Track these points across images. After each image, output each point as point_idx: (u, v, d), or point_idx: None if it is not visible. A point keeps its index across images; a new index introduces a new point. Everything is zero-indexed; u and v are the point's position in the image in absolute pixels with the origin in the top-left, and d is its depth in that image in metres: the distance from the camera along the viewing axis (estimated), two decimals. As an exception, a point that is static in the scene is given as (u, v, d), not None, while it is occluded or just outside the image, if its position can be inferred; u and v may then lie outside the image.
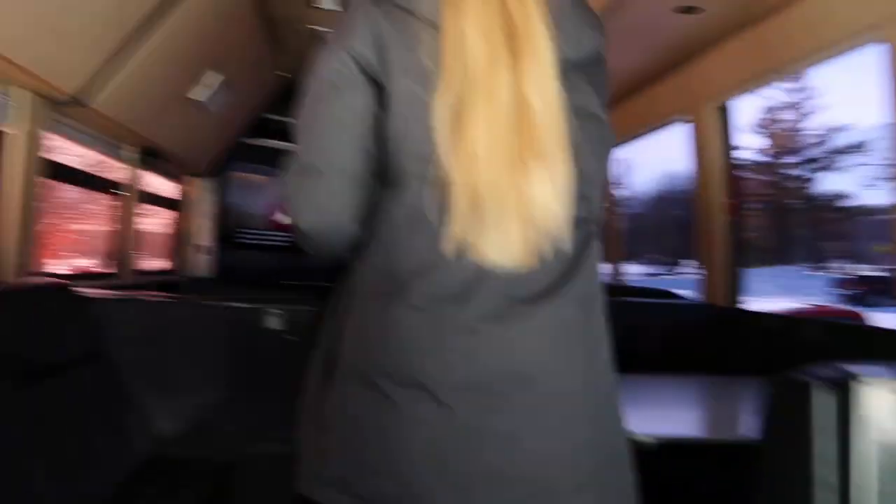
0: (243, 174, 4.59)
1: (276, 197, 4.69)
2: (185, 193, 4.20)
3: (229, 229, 4.47)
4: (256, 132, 4.43)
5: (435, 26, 0.87)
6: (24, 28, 1.72)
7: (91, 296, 2.09)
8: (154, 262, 3.88)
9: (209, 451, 2.07)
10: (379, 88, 0.89)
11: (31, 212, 2.15)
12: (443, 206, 0.85)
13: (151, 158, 3.23)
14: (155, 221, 3.85)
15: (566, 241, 0.88)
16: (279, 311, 2.18)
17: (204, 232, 4.36)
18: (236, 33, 3.05)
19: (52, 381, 1.73)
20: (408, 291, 0.88)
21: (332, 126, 0.91)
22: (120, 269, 3.11)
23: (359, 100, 0.90)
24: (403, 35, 0.88)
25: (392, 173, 0.91)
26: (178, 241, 4.17)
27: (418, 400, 0.85)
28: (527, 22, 0.86)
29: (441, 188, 0.85)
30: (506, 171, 0.84)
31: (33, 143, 2.07)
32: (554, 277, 0.90)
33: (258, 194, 4.66)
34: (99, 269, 3.09)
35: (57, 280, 2.06)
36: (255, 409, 2.14)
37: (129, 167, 3.11)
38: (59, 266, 2.74)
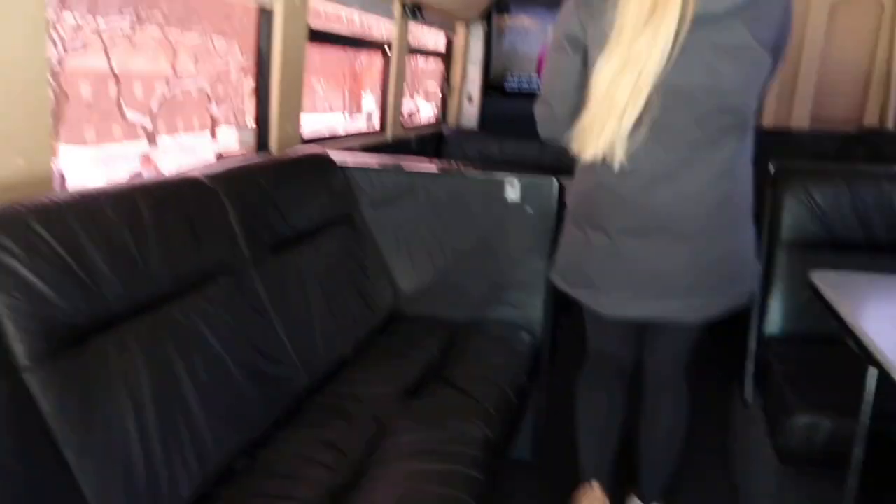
0: (514, 17, 4.41)
1: (546, 40, 4.47)
2: (452, 42, 4.20)
3: (497, 77, 4.42)
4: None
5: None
6: None
7: (349, 164, 2.25)
8: (421, 115, 4.06)
9: (446, 311, 2.21)
10: (584, 52, 1.41)
11: (298, 82, 2.33)
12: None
13: (417, 11, 3.24)
14: (422, 73, 3.96)
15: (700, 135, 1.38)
16: (520, 183, 2.12)
17: (470, 80, 4.38)
18: None
19: (316, 241, 1.96)
20: (599, 172, 1.44)
21: (559, 75, 1.48)
22: (386, 126, 3.31)
23: (576, 59, 1.43)
24: (594, 15, 1.37)
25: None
26: (445, 92, 4.26)
27: (599, 235, 1.48)
28: None
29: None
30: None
31: (299, 11, 2.21)
32: (688, 157, 1.40)
33: (528, 38, 4.47)
34: (366, 129, 3.33)
35: (317, 150, 2.24)
36: (491, 274, 2.19)
37: (395, 22, 3.17)
38: (325, 126, 3.00)
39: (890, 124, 3.87)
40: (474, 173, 2.20)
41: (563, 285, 1.60)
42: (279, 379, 1.58)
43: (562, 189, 2.10)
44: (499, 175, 2.15)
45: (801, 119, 4.07)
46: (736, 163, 1.42)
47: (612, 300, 1.51)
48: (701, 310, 1.49)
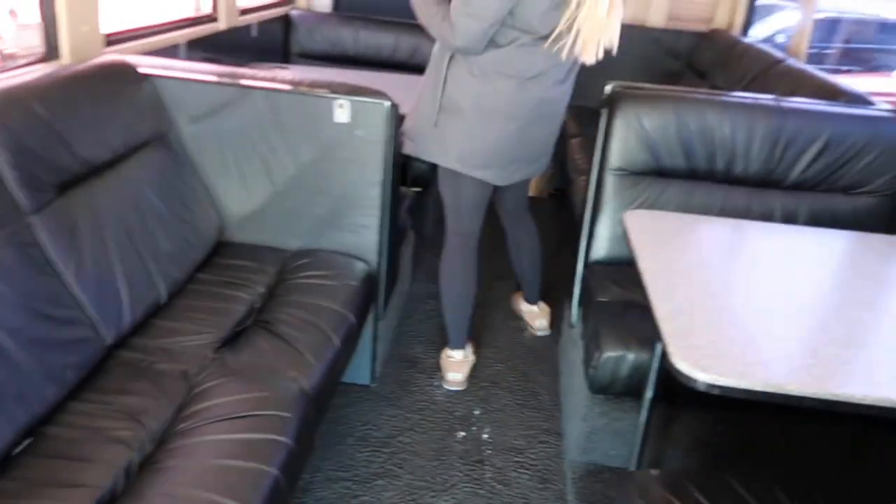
0: None
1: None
2: None
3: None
4: None
5: None
6: None
7: (157, 74, 1.98)
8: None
9: (277, 238, 2.10)
10: None
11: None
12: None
13: None
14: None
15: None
16: (350, 105, 1.96)
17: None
18: None
19: (118, 170, 1.74)
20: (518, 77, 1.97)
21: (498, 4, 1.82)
22: (219, 11, 2.94)
23: None
24: None
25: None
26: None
27: (510, 125, 2.03)
28: None
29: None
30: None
31: None
32: (569, 67, 2.04)
33: None
34: (196, 13, 2.94)
35: (115, 59, 1.94)
36: (323, 199, 2.08)
37: None
38: (142, 19, 2.61)
39: (736, 29, 3.96)
40: (303, 91, 2.01)
41: (465, 169, 2.08)
42: (72, 342, 1.44)
43: (395, 111, 1.98)
44: (327, 94, 1.98)
45: (658, 16, 4.07)
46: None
47: (509, 172, 2.12)
48: (544, 165, 2.25)
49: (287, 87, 2.02)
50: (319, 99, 1.98)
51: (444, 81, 2.01)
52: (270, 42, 3.56)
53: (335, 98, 1.97)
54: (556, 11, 1.86)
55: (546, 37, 1.90)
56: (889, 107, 2.14)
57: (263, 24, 3.42)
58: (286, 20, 3.72)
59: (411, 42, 3.68)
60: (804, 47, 3.36)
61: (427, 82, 2.09)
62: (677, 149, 2.08)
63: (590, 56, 1.94)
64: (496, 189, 2.23)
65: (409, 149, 2.15)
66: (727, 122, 2.04)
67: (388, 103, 1.96)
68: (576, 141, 3.46)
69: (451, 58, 1.99)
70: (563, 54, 1.91)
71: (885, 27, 10.63)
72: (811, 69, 2.73)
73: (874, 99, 2.22)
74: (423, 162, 2.20)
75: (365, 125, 1.98)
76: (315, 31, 3.75)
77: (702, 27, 4.06)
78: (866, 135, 2.01)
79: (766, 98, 2.11)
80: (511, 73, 1.96)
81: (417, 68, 3.65)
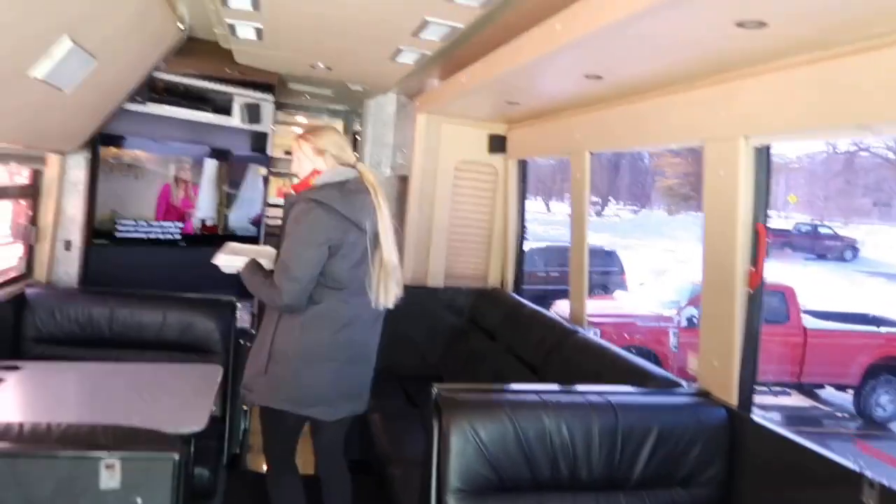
0: (125, 150, 3.68)
1: (168, 177, 3.83)
2: (41, 175, 3.28)
3: (105, 220, 3.59)
4: (145, 95, 3.54)
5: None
6: None
7: None
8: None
9: None
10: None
11: None
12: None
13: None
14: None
15: None
16: (121, 462, 1.46)
17: (68, 222, 3.47)
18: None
19: None
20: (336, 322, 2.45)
21: (312, 261, 2.34)
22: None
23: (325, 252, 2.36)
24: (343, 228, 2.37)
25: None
26: (30, 238, 3.28)
27: (332, 365, 2.46)
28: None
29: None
30: None
31: None
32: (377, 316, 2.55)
33: (147, 174, 3.78)
34: None
35: None
36: None
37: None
38: None
39: (508, 287, 4.21)
40: (52, 452, 1.47)
41: (296, 409, 2.43)
42: None
43: (186, 463, 1.52)
44: (88, 452, 1.46)
45: (437, 278, 4.19)
46: None
47: (334, 408, 2.47)
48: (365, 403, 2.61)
49: (26, 446, 1.47)
50: (79, 461, 1.45)
51: (273, 336, 2.41)
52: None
53: (100, 457, 1.46)
54: (358, 269, 2.41)
55: (355, 290, 2.41)
56: (696, 386, 2.23)
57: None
58: (19, 300, 3.07)
59: (181, 318, 3.23)
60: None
61: (258, 339, 2.50)
62: (519, 459, 1.89)
63: (389, 301, 2.47)
64: (316, 430, 2.62)
65: (249, 399, 2.53)
66: (563, 424, 1.92)
67: (176, 456, 1.50)
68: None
69: (280, 316, 2.42)
70: (372, 303, 2.43)
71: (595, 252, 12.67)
72: (603, 344, 2.86)
73: (677, 378, 2.31)
74: None
75: (147, 489, 1.48)
76: (58, 310, 3.12)
77: (479, 284, 4.26)
78: (691, 424, 2.02)
79: (593, 393, 2.06)
80: (328, 323, 2.41)
81: (191, 347, 3.26)
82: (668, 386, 2.25)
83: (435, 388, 1.95)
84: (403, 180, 5.27)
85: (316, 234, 2.32)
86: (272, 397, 2.43)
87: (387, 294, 2.44)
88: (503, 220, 4.27)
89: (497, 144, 4.19)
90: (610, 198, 28.12)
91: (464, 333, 4.02)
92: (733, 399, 2.11)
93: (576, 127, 3.25)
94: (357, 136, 5.64)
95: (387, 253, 2.43)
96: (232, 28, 3.03)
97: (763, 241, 2.08)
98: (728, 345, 2.12)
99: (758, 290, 2.09)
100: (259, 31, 2.99)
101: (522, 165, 4.22)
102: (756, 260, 2.09)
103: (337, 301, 2.39)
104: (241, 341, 3.59)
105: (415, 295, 4.15)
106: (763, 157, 2.10)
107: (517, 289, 4.26)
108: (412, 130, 4.34)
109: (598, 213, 25.99)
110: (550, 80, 2.84)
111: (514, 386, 2.16)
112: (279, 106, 6.20)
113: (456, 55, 3.41)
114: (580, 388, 2.12)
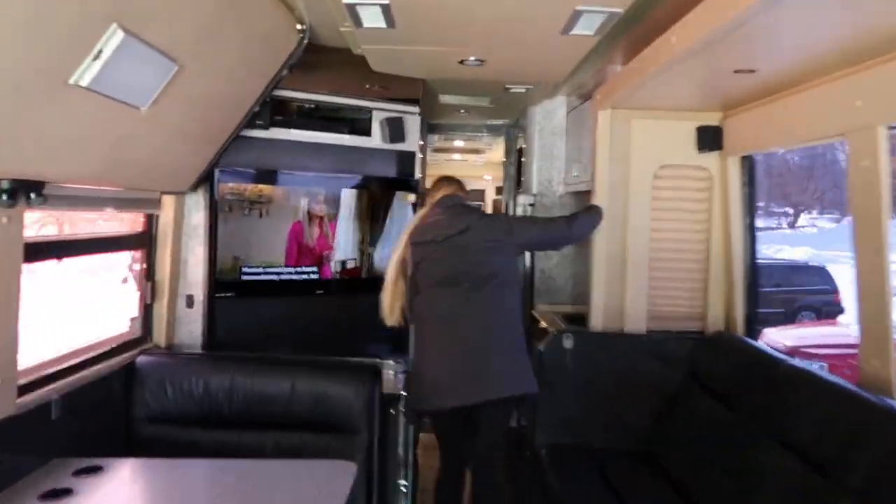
0: (246, 184, 3.13)
1: (299, 214, 3.22)
2: (157, 221, 2.79)
3: (227, 268, 3.04)
4: (267, 117, 2.97)
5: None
6: None
7: None
8: (97, 337, 2.52)
9: None
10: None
11: None
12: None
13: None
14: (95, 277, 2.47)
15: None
16: None
17: (190, 274, 2.95)
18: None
19: None
20: None
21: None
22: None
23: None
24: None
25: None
26: (145, 295, 2.78)
27: None
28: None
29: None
30: None
31: None
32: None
33: (274, 212, 3.20)
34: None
35: None
36: None
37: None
38: None
39: (738, 327, 3.09)
40: None
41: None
42: None
43: None
44: None
45: (636, 320, 3.18)
46: None
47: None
48: None
49: None
50: None
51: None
52: (99, 411, 2.33)
53: None
54: None
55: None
56: None
57: (84, 388, 2.22)
58: (130, 370, 2.54)
59: (312, 388, 2.56)
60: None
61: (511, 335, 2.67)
62: None
63: None
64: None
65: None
66: None
67: None
68: None
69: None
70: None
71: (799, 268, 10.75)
72: None
73: None
74: None
75: None
76: (171, 383, 2.55)
77: (695, 325, 3.20)
78: None
79: None
80: None
81: (326, 424, 2.55)
82: None
83: None
84: (581, 198, 4.34)
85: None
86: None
87: None
88: (723, 239, 3.17)
89: (709, 139, 3.12)
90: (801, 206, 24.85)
91: (682, 395, 2.96)
92: None
93: (855, 93, 2.13)
94: (522, 156, 4.79)
95: None
96: (355, 14, 2.33)
97: None
98: None
99: None
100: (386, 10, 2.25)
101: (748, 164, 3.11)
102: None
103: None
104: (392, 410, 2.85)
105: (609, 345, 3.21)
106: None
107: (749, 331, 3.12)
108: (591, 136, 3.42)
109: (791, 225, 23.03)
110: (824, 17, 1.79)
111: None
112: (431, 129, 5.58)
113: (643, 29, 2.46)
114: None
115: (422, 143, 4.08)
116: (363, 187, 3.33)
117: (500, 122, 5.20)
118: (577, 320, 3.72)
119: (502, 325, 2.60)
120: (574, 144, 4.14)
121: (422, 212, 2.80)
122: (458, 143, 7.60)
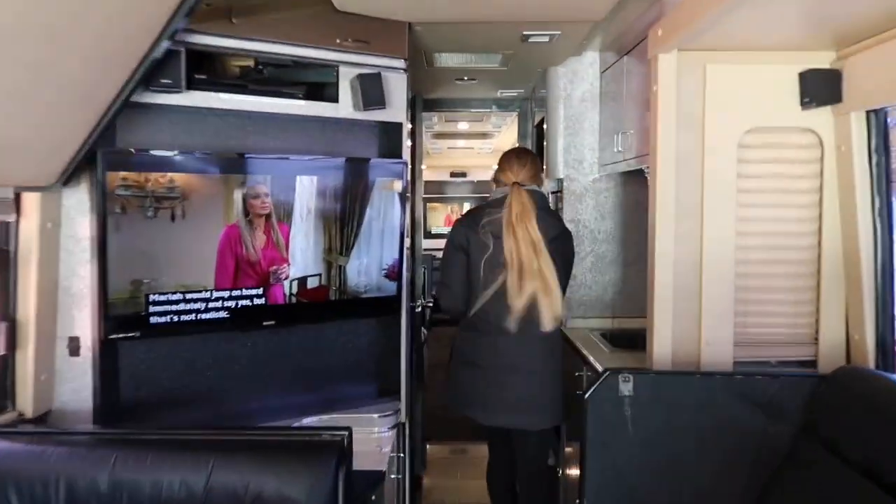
0: (150, 172, 2.19)
1: (233, 214, 2.29)
2: (16, 232, 1.88)
3: (126, 297, 2.09)
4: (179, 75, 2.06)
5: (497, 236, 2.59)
6: None
7: None
8: None
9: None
10: (467, 255, 2.65)
11: None
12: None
13: None
14: None
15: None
16: None
17: (75, 309, 2.03)
18: None
19: None
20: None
21: (456, 266, 2.68)
22: None
23: (463, 257, 2.66)
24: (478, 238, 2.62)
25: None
26: (2, 344, 1.87)
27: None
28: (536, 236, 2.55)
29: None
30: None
31: None
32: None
33: (194, 211, 2.26)
34: None
35: None
36: None
37: None
38: None
39: (869, 356, 2.15)
40: None
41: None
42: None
43: None
44: None
45: (718, 351, 2.24)
46: None
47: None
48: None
49: None
50: None
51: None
52: None
53: None
54: None
55: None
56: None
57: None
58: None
59: (241, 481, 1.64)
60: None
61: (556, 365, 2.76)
62: None
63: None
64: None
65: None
66: None
67: None
68: None
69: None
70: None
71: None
72: None
73: None
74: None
75: None
76: (23, 483, 1.63)
77: (803, 354, 2.26)
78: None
79: None
80: None
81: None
82: None
83: None
84: (628, 181, 3.40)
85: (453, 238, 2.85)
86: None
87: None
88: (842, 232, 2.22)
89: (820, 88, 2.17)
90: None
91: (795, 461, 2.02)
92: None
93: None
94: (541, 136, 3.84)
95: None
96: None
97: None
98: None
99: None
100: None
101: (879, 123, 2.16)
102: None
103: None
104: (374, 497, 1.96)
105: (682, 386, 2.28)
106: None
107: (886, 362, 2.18)
108: (640, 95, 2.47)
109: None
110: None
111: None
112: (427, 105, 4.63)
113: None
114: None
115: (412, 115, 3.15)
116: (328, 174, 2.39)
117: (512, 92, 4.24)
118: (625, 340, 2.91)
119: (552, 350, 2.69)
120: (612, 112, 3.19)
121: (510, 198, 2.58)
122: (462, 127, 6.65)
